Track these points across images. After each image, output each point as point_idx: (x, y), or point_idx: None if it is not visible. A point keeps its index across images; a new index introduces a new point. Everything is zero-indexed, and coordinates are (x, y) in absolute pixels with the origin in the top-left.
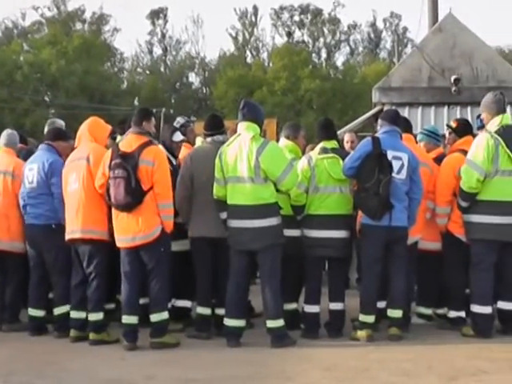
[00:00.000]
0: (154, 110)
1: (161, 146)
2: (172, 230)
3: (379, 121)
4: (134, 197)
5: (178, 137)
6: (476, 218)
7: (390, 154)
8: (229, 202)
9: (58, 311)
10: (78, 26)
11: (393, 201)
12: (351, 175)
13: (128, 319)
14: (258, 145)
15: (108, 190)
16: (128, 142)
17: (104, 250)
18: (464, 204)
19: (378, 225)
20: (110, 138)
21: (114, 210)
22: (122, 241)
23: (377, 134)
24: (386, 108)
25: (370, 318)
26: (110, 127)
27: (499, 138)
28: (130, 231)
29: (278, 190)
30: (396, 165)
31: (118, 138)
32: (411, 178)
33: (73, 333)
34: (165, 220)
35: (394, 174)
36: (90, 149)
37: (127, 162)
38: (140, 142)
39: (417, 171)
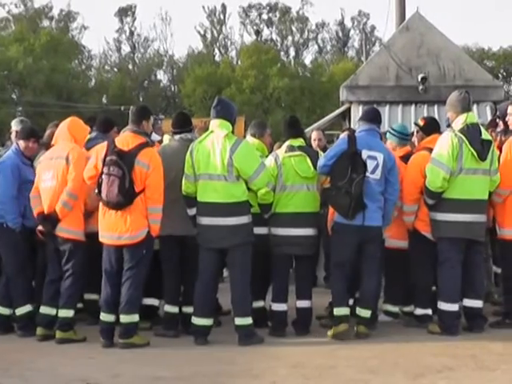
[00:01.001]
0: (122, 108)
1: None
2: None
3: (358, 120)
4: (126, 197)
5: (155, 137)
6: (442, 216)
7: (364, 154)
8: (199, 199)
9: (19, 311)
10: (46, 23)
11: (366, 200)
12: (325, 173)
13: (106, 317)
14: (232, 143)
15: (100, 185)
16: (125, 139)
17: (84, 250)
18: (430, 202)
19: (350, 224)
20: None
21: (101, 206)
22: (106, 237)
23: (356, 133)
24: (353, 106)
25: (344, 310)
26: (88, 128)
27: (463, 137)
28: (116, 230)
29: (248, 189)
30: (370, 164)
31: None
32: (387, 179)
33: (39, 331)
34: (152, 224)
35: (368, 174)
36: (70, 149)
37: (124, 161)
38: (137, 141)
39: (393, 172)
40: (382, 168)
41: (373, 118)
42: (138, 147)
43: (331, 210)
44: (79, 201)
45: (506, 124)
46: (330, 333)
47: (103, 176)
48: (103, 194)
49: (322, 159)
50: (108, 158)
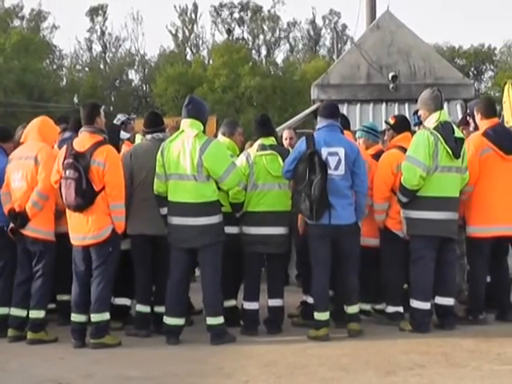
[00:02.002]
0: None
1: None
2: (123, 231)
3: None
4: (85, 198)
5: (124, 135)
6: (416, 214)
7: (324, 151)
8: (170, 198)
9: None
10: (16, 22)
11: (333, 198)
12: (290, 178)
13: (76, 317)
14: (202, 143)
15: (60, 188)
16: (82, 140)
17: (54, 250)
18: (404, 199)
19: (318, 224)
20: None
21: (67, 209)
22: (74, 239)
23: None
24: None
25: (325, 316)
26: (58, 129)
27: (438, 135)
28: (81, 231)
29: (219, 188)
30: (332, 161)
31: None
32: (353, 172)
33: (11, 332)
34: (116, 221)
35: (331, 171)
36: (39, 148)
37: (79, 163)
38: (93, 141)
39: (357, 163)
40: (346, 162)
41: (330, 113)
42: (93, 147)
43: None
44: (50, 201)
45: (476, 122)
46: (309, 335)
47: (62, 180)
48: (63, 198)
49: (284, 164)
50: (65, 162)
